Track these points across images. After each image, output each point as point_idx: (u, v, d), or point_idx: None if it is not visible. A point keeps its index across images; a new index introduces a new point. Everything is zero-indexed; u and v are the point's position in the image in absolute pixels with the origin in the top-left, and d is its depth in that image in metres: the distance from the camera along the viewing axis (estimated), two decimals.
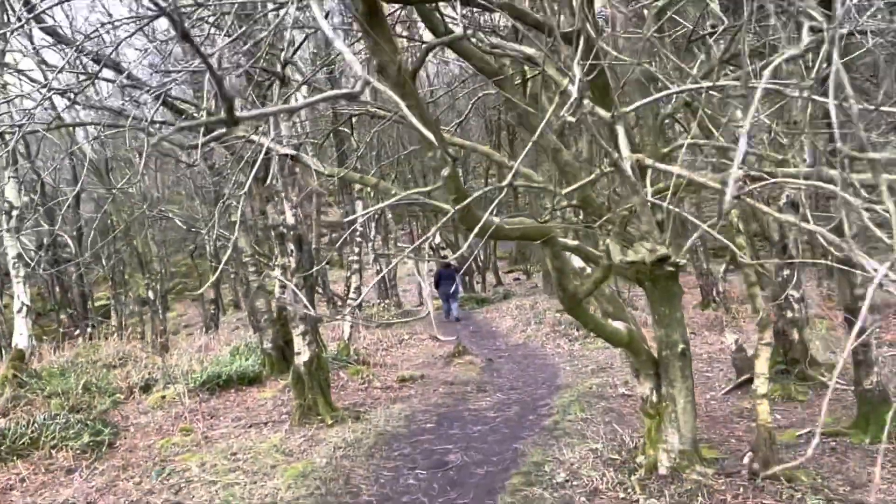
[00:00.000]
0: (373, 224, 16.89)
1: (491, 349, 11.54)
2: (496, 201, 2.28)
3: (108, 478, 5.62)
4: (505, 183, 2.05)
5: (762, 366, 4.28)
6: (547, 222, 2.92)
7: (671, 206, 2.15)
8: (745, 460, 4.59)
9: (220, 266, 3.82)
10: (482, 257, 27.04)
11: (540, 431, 6.01)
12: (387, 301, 18.48)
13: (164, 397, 8.25)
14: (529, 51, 2.75)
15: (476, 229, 2.34)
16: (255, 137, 4.05)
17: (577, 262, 4.79)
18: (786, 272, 6.31)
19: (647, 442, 4.51)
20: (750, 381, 6.48)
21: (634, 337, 4.21)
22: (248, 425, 7.04)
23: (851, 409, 5.54)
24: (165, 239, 28.77)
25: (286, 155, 4.22)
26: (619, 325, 4.15)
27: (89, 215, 24.20)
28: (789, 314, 6.29)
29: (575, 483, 4.56)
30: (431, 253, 26.57)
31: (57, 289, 25.09)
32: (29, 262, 9.13)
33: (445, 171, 1.84)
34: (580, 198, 3.92)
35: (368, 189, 14.25)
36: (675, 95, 4.64)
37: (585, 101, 2.87)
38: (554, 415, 6.50)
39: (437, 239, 26.20)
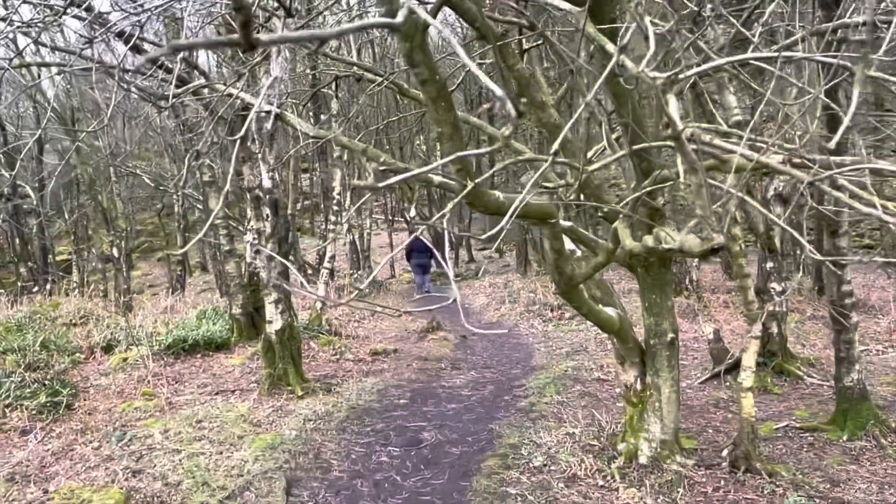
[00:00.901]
0: (348, 193, 16.60)
1: (464, 326, 11.44)
2: (537, 174, 2.09)
3: (65, 441, 5.37)
4: (551, 150, 1.85)
5: (750, 359, 4.22)
6: (560, 201, 2.75)
7: (732, 191, 1.98)
8: (724, 453, 4.56)
9: (203, 230, 3.55)
10: (455, 232, 26.93)
11: (516, 413, 5.93)
12: (359, 272, 18.23)
13: (126, 359, 7.96)
14: (565, 6, 2.54)
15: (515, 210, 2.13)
16: (233, 91, 3.77)
17: (568, 244, 4.65)
18: (769, 265, 6.28)
19: (629, 430, 4.43)
20: (726, 371, 6.48)
21: (624, 324, 4.11)
22: (214, 392, 6.82)
23: (827, 403, 5.57)
24: (132, 196, 28.06)
25: (269, 113, 3.97)
26: (610, 312, 4.04)
27: (53, 164, 23.42)
28: (770, 307, 6.26)
29: (553, 468, 4.48)
30: (406, 226, 26.38)
31: (17, 241, 24.22)
32: None
33: (506, 131, 1.64)
34: (580, 178, 3.75)
35: (345, 157, 13.92)
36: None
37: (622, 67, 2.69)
38: (529, 396, 6.42)
39: (413, 212, 26.00)
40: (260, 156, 7.22)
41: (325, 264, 10.37)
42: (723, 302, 11.96)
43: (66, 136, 20.54)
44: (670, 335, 4.09)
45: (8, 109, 23.77)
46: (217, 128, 5.91)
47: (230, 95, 3.81)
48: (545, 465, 4.54)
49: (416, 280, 17.41)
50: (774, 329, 6.30)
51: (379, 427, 5.77)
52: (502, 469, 4.56)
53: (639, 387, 4.34)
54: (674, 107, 1.73)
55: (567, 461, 4.52)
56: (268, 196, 7.18)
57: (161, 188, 26.44)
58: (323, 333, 9.27)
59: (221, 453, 5.07)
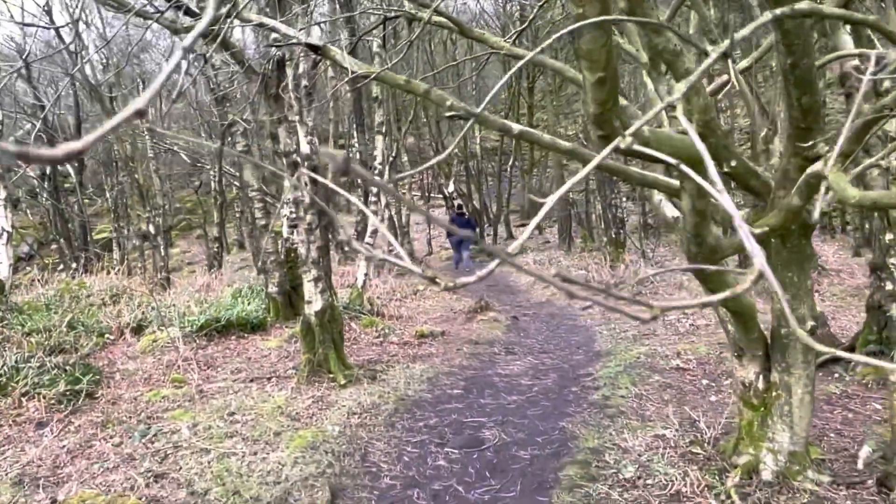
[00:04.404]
0: (387, 166, 15.87)
1: (513, 305, 10.67)
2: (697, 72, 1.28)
3: (84, 436, 4.78)
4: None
5: None
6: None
7: None
8: (860, 465, 3.72)
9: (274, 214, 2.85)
10: (494, 209, 26.16)
11: (588, 408, 5.15)
12: (398, 249, 17.56)
13: (155, 341, 7.41)
14: None
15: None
16: (267, 21, 3.03)
17: (669, 210, 3.81)
18: (889, 236, 5.33)
19: (746, 438, 3.62)
20: (834, 360, 5.58)
21: (756, 309, 3.28)
22: (248, 379, 6.21)
23: None
24: (171, 173, 27.99)
25: (309, 46, 3.22)
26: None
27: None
28: (889, 286, 5.33)
29: (649, 482, 3.70)
30: (444, 200, 25.61)
31: (58, 219, 24.29)
32: (10, 183, 8.18)
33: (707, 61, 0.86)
34: (702, 115, 2.93)
35: (385, 128, 13.10)
36: None
37: None
38: (601, 388, 5.63)
39: (451, 188, 25.19)
40: (298, 117, 6.50)
41: (368, 238, 9.67)
42: None
43: (103, 114, 20.33)
44: (810, 323, 3.25)
45: (47, 88, 23.72)
46: (249, 81, 5.19)
47: (261, 26, 3.07)
48: (638, 478, 3.76)
49: (455, 256, 16.84)
50: (894, 312, 5.37)
51: (432, 422, 5.06)
52: (586, 481, 3.80)
53: (761, 386, 3.51)
54: None
55: (666, 473, 3.74)
56: (306, 162, 6.47)
57: (198, 164, 26.23)
58: (364, 314, 8.60)
59: (256, 454, 4.42)
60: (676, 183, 3.35)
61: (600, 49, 1.57)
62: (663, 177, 3.49)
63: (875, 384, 5.11)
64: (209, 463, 4.26)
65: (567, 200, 22.06)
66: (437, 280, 0.84)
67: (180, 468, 4.20)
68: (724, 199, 0.78)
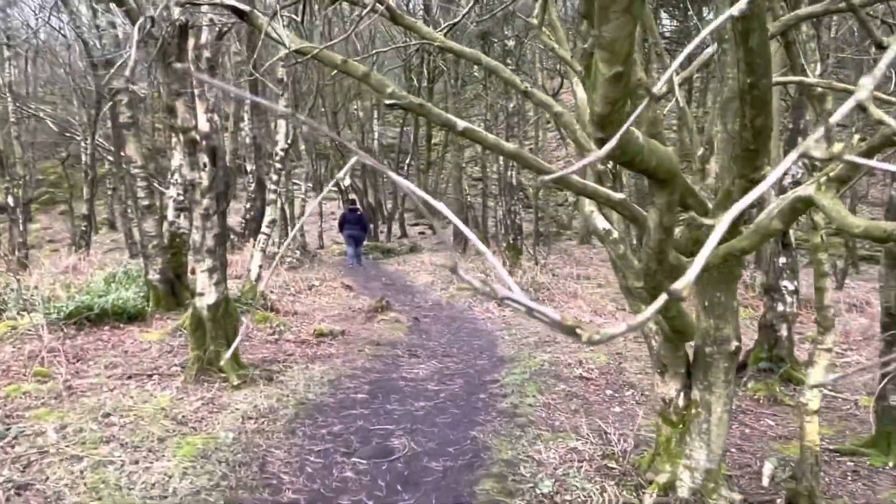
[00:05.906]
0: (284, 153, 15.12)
1: (413, 306, 10.48)
2: None
3: None
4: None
5: (818, 375, 3.48)
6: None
7: None
8: (765, 482, 3.85)
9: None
10: (389, 206, 25.96)
11: (498, 416, 5.04)
12: (290, 242, 16.85)
13: (15, 328, 6.53)
14: None
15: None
16: None
17: (601, 222, 3.76)
18: (782, 260, 5.65)
19: (663, 454, 3.63)
20: None
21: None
22: (126, 376, 5.58)
23: (849, 420, 5.00)
24: (34, 141, 25.45)
25: (233, 9, 2.81)
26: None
27: None
28: (780, 307, 5.65)
29: (567, 497, 3.62)
30: (339, 194, 25.00)
31: None
32: None
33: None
34: (650, 128, 2.87)
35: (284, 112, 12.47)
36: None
37: None
38: (509, 395, 5.55)
39: (347, 181, 24.64)
40: (198, 93, 5.94)
41: (265, 229, 9.11)
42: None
43: None
44: (734, 343, 3.29)
45: None
46: (145, 46, 4.64)
47: None
48: (556, 493, 3.68)
49: (349, 251, 16.35)
50: (784, 332, 5.70)
51: (337, 429, 4.76)
52: (504, 496, 3.66)
53: (681, 403, 3.54)
54: None
55: (583, 488, 3.68)
56: (205, 141, 5.93)
57: (67, 134, 23.91)
58: (258, 308, 8.08)
59: (137, 462, 3.93)
60: (616, 195, 3.28)
61: (625, 39, 1.40)
62: (603, 188, 3.42)
63: (766, 400, 5.39)
64: (82, 472, 3.72)
65: (464, 203, 22.23)
66: (579, 331, 0.62)
67: (47, 478, 3.64)
68: None
